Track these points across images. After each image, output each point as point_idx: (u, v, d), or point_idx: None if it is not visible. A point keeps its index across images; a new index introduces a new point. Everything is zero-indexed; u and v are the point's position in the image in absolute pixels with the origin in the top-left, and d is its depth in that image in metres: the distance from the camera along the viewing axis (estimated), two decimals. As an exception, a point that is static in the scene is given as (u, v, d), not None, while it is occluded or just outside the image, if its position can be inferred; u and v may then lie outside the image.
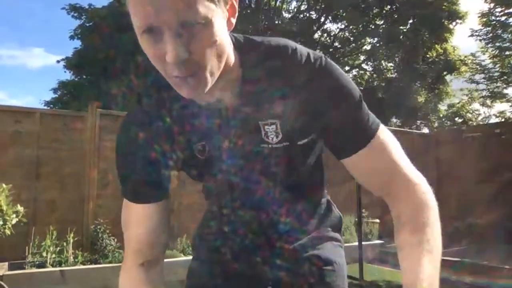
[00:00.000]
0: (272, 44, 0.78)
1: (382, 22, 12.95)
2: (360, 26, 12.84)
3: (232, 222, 0.93)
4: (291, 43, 0.79)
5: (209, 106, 0.77)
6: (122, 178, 0.92)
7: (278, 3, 13.64)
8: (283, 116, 0.76)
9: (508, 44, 8.87)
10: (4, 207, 3.44)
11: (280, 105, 0.75)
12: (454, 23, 12.03)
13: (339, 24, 13.43)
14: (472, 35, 9.34)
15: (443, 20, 11.78)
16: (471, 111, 14.95)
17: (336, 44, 13.97)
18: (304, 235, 0.95)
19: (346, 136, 0.79)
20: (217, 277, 0.96)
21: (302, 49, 0.78)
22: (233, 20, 0.70)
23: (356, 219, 4.96)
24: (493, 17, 8.82)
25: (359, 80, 15.15)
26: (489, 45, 9.22)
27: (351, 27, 13.22)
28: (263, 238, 0.93)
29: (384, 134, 0.80)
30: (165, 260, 0.97)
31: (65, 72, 12.26)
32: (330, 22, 13.35)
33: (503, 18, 8.67)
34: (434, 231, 0.75)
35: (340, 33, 13.71)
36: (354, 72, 15.54)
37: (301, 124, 0.77)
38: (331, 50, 14.01)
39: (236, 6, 0.70)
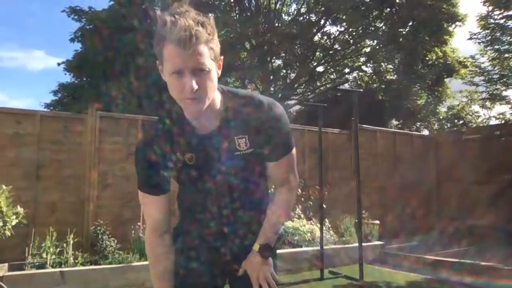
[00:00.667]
0: (243, 93, 1.30)
1: (382, 24, 12.97)
2: (360, 28, 12.86)
3: (207, 210, 1.34)
4: (255, 95, 1.30)
5: (201, 130, 1.25)
6: (142, 178, 1.33)
7: (278, 5, 13.66)
8: (249, 134, 1.25)
9: (507, 46, 8.91)
10: (4, 208, 3.45)
11: (246, 128, 1.25)
12: (453, 26, 12.05)
13: (339, 26, 13.44)
14: (471, 38, 9.38)
15: (442, 23, 11.80)
16: (471, 113, 14.99)
17: (336, 46, 13.98)
18: (254, 215, 1.39)
19: (273, 152, 1.30)
20: (191, 258, 1.39)
21: (262, 98, 1.27)
22: (219, 72, 1.18)
23: (356, 220, 4.96)
24: (491, 20, 8.85)
25: (359, 82, 15.18)
26: (488, 48, 9.25)
27: (351, 29, 13.23)
28: (221, 215, 1.35)
29: (291, 155, 1.34)
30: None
31: (65, 74, 12.29)
32: (330, 24, 13.34)
33: (501, 21, 8.71)
34: (285, 209, 1.41)
35: (340, 36, 13.73)
36: (354, 74, 15.56)
37: (257, 140, 1.26)
38: (331, 52, 14.03)
39: (221, 64, 1.20)
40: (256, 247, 1.33)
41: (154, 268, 1.37)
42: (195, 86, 1.07)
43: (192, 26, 1.06)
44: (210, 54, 1.10)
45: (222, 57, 1.19)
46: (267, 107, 1.25)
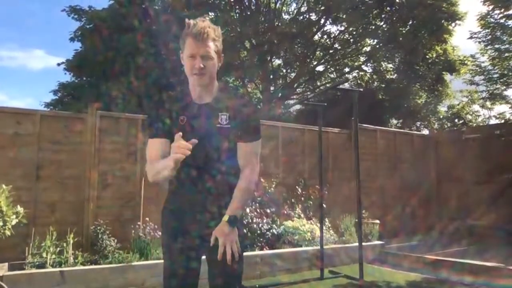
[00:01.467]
0: (232, 87, 2.08)
1: (382, 23, 12.96)
2: (360, 27, 12.85)
3: (190, 171, 1.68)
4: (239, 91, 2.07)
5: (197, 101, 1.73)
6: (151, 125, 1.74)
7: (278, 5, 13.65)
8: (229, 113, 1.70)
9: (507, 45, 8.90)
10: (4, 208, 3.44)
11: (228, 109, 1.70)
12: (453, 24, 12.03)
13: (339, 25, 13.43)
14: (471, 37, 9.37)
15: (442, 22, 11.79)
16: (471, 113, 14.97)
17: (336, 45, 13.98)
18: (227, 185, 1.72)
19: (245, 134, 1.71)
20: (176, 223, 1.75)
21: (243, 94, 2.03)
22: (219, 64, 1.72)
23: (356, 220, 4.96)
24: (492, 19, 8.84)
25: (359, 82, 15.17)
26: (489, 47, 9.24)
27: (351, 28, 13.23)
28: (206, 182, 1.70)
29: (257, 143, 1.76)
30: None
31: (65, 74, 12.25)
32: (330, 23, 13.33)
33: (502, 20, 8.70)
34: (246, 191, 1.71)
35: (340, 35, 13.72)
36: (354, 73, 15.55)
37: (235, 120, 1.70)
38: (331, 51, 14.02)
39: (221, 60, 1.74)
40: (225, 218, 1.60)
41: (156, 164, 1.62)
42: (202, 65, 1.62)
43: (206, 26, 1.64)
44: (214, 48, 1.66)
45: (223, 55, 1.75)
46: (247, 100, 1.91)
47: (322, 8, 12.57)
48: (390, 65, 14.29)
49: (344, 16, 12.54)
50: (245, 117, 1.70)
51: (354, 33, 13.28)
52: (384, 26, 12.80)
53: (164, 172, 1.55)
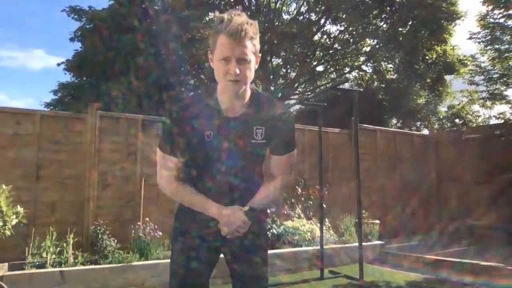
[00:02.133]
0: (266, 93, 1.60)
1: (382, 23, 12.95)
2: (360, 27, 12.84)
3: (214, 187, 1.55)
4: (274, 98, 1.67)
5: (228, 113, 1.48)
6: (168, 140, 1.51)
7: (278, 5, 13.65)
8: (265, 127, 1.50)
9: (507, 46, 8.88)
10: (4, 208, 3.44)
11: (264, 121, 1.50)
12: (453, 24, 12.03)
13: (339, 26, 13.43)
14: (471, 38, 9.35)
15: (442, 21, 11.79)
16: (471, 113, 14.96)
17: (336, 45, 13.97)
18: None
19: (280, 147, 1.57)
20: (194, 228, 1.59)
21: (279, 102, 1.65)
22: (256, 66, 1.45)
23: (356, 220, 4.96)
24: (491, 20, 8.83)
25: (359, 82, 15.17)
26: (488, 47, 9.23)
27: (351, 28, 13.22)
28: (230, 193, 1.56)
29: (292, 154, 1.61)
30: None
31: (65, 74, 12.24)
32: (330, 24, 13.32)
33: (501, 20, 8.68)
34: (272, 192, 1.61)
35: (340, 35, 13.71)
36: (354, 73, 15.54)
37: (271, 133, 1.51)
38: (331, 51, 14.02)
39: (258, 60, 1.47)
40: (245, 208, 1.51)
41: (186, 193, 1.55)
42: (238, 71, 1.35)
43: (244, 23, 1.36)
44: (252, 48, 1.39)
45: (260, 54, 1.48)
46: (283, 109, 1.58)
47: (322, 8, 12.57)
48: (390, 65, 14.29)
49: (344, 16, 12.54)
50: (282, 131, 1.53)
51: (354, 33, 13.26)
52: (384, 26, 12.79)
53: (192, 206, 1.53)
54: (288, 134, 1.56)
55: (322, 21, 13.17)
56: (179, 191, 1.56)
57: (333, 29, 13.71)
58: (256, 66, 1.46)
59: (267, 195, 1.59)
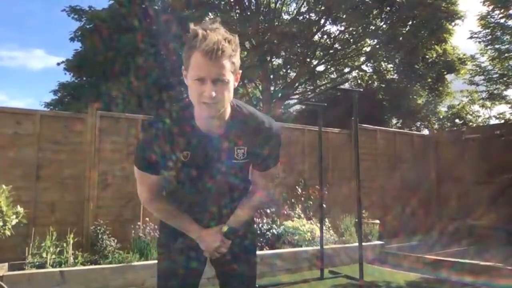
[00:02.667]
0: (248, 109, 1.45)
1: (382, 23, 12.96)
2: (360, 27, 12.85)
3: (206, 209, 1.54)
4: (258, 113, 1.47)
5: (206, 133, 1.39)
6: (142, 159, 1.44)
7: (278, 5, 13.65)
8: (248, 146, 1.43)
9: (507, 46, 8.88)
10: (4, 208, 3.44)
11: (246, 140, 1.42)
12: (453, 24, 12.04)
13: (339, 26, 13.43)
14: (471, 37, 9.36)
15: (442, 21, 11.79)
16: (471, 113, 14.96)
17: (336, 45, 13.98)
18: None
19: (264, 163, 1.50)
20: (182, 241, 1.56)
21: (263, 117, 1.46)
22: (235, 84, 1.34)
23: (356, 220, 4.96)
24: (492, 19, 8.83)
25: (359, 82, 15.17)
26: (489, 47, 9.23)
27: (351, 28, 13.22)
28: (216, 214, 1.54)
29: (276, 168, 1.55)
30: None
31: (65, 74, 12.25)
32: (330, 24, 13.33)
33: (502, 20, 8.68)
34: (256, 206, 1.63)
35: (340, 35, 13.72)
36: (354, 73, 15.55)
37: (253, 152, 1.45)
38: (331, 51, 14.02)
39: (238, 78, 1.35)
40: (224, 228, 1.50)
41: (169, 214, 1.54)
42: (213, 94, 1.24)
43: (220, 41, 1.22)
44: (231, 67, 1.27)
45: (240, 71, 1.36)
46: (267, 125, 1.46)
47: (322, 8, 12.57)
48: (390, 65, 14.29)
49: (344, 16, 12.54)
50: (266, 148, 1.46)
51: (354, 33, 13.27)
52: (384, 26, 12.80)
53: (175, 225, 1.53)
54: (271, 151, 1.48)
55: (322, 21, 13.17)
56: (160, 212, 1.56)
57: (333, 29, 13.74)
58: (236, 84, 1.35)
59: (247, 213, 1.57)
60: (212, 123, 1.37)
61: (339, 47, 14.00)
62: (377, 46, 13.28)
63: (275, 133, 1.48)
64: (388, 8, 12.36)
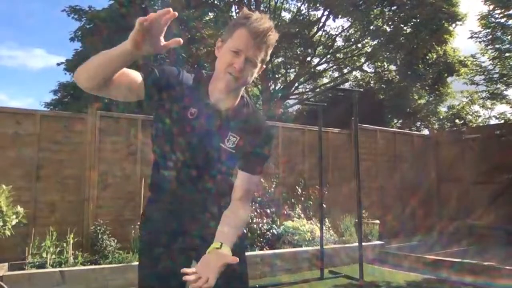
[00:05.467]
0: (254, 108, 1.52)
1: (382, 24, 12.95)
2: (360, 27, 12.84)
3: (178, 178, 1.45)
4: (261, 114, 1.60)
5: (211, 104, 1.41)
6: (156, 68, 1.40)
7: (278, 3, 13.64)
8: (241, 138, 1.42)
9: (508, 45, 8.88)
10: (4, 208, 3.45)
11: (243, 132, 1.42)
12: (454, 25, 12.03)
13: (339, 25, 13.45)
14: (471, 37, 9.35)
15: (443, 22, 11.79)
16: (471, 113, 14.96)
17: (336, 45, 13.97)
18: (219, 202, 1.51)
19: (249, 164, 1.45)
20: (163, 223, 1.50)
21: (265, 120, 1.55)
22: (256, 75, 1.43)
23: (356, 220, 4.96)
24: (492, 19, 8.83)
25: (360, 82, 15.16)
26: (489, 47, 9.23)
27: (351, 29, 13.22)
28: (196, 195, 1.48)
29: (258, 177, 1.50)
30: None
31: (65, 73, 12.25)
32: (332, 19, 13.32)
33: (502, 20, 8.68)
34: (236, 218, 1.42)
35: (340, 35, 13.72)
36: (355, 74, 15.53)
37: (244, 146, 1.43)
38: (331, 51, 14.02)
39: (260, 71, 1.44)
40: (226, 249, 1.27)
41: (96, 56, 1.38)
42: (242, 68, 1.31)
43: (270, 29, 1.36)
44: (264, 55, 1.38)
45: (264, 66, 1.45)
46: (268, 128, 1.52)
47: (323, 7, 12.57)
48: (391, 66, 14.29)
49: (345, 16, 12.53)
50: (257, 150, 1.45)
51: (354, 33, 13.26)
52: (384, 26, 12.79)
53: (104, 62, 1.34)
54: (261, 154, 1.47)
55: (322, 20, 13.17)
56: (89, 61, 1.39)
57: (334, 25, 13.73)
58: (256, 76, 1.44)
59: (234, 233, 1.37)
60: (222, 99, 1.40)
61: (339, 47, 13.99)
62: (378, 47, 13.28)
63: (271, 138, 1.55)
64: (388, 8, 12.36)
